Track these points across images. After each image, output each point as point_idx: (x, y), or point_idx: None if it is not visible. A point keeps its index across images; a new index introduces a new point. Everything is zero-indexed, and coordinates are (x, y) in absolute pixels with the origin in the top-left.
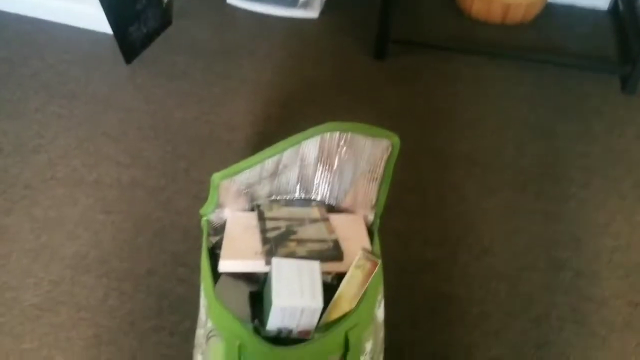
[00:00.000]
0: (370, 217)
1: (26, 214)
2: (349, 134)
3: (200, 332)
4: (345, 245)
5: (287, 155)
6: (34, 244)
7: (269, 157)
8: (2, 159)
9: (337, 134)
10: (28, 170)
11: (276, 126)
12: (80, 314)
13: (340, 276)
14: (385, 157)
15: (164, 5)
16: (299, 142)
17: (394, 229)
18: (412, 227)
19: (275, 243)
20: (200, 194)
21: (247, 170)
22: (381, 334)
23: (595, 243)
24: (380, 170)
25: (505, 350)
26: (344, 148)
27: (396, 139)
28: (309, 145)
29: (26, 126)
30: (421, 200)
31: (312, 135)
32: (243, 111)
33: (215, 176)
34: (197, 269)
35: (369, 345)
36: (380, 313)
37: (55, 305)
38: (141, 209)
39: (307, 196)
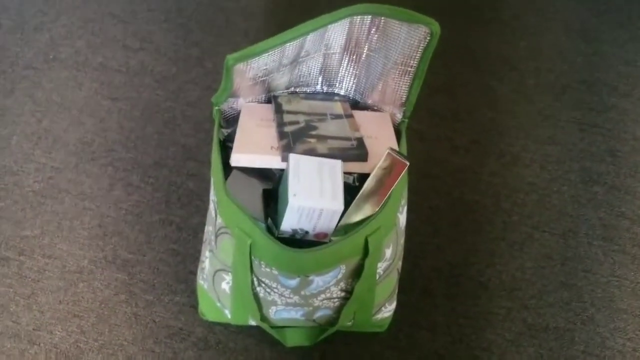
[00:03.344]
0: (399, 116)
1: (27, 95)
2: (382, 19)
3: (209, 229)
4: (370, 145)
5: (311, 40)
6: (35, 128)
7: (291, 40)
8: (2, 35)
9: (368, 18)
10: (29, 50)
11: (298, 14)
12: (85, 203)
13: (363, 177)
14: (422, 47)
15: None
16: (325, 25)
17: (419, 131)
18: (438, 131)
19: (294, 138)
20: (213, 85)
21: (265, 55)
22: (402, 240)
23: (633, 157)
24: (414, 63)
25: (529, 262)
26: (376, 35)
27: (436, 26)
28: (336, 31)
29: (27, 2)
30: (450, 102)
31: (340, 18)
32: None
33: (230, 58)
34: (208, 163)
35: (389, 252)
36: (402, 218)
37: (58, 193)
38: (150, 97)
39: (330, 90)
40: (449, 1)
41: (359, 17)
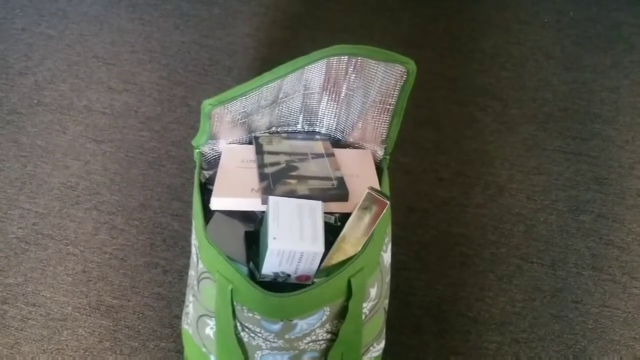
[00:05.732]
0: (380, 153)
1: (12, 140)
2: (359, 59)
3: (191, 273)
4: (351, 184)
5: (289, 82)
6: (19, 173)
7: (267, 83)
8: None
9: (345, 58)
10: (13, 95)
11: (280, 51)
12: (69, 248)
13: (345, 216)
14: (399, 85)
15: None
16: (302, 67)
17: (404, 164)
18: (423, 164)
19: (274, 179)
20: (198, 124)
21: (243, 98)
22: (387, 278)
23: (619, 184)
24: (392, 101)
25: (519, 295)
26: (353, 75)
27: (412, 65)
28: (314, 71)
29: (12, 47)
30: (434, 135)
31: (317, 59)
32: (245, 34)
33: (206, 103)
34: (192, 204)
35: (373, 291)
36: (387, 257)
37: (42, 239)
38: (134, 139)
39: (311, 129)
40: (430, 34)
41: (335, 57)
